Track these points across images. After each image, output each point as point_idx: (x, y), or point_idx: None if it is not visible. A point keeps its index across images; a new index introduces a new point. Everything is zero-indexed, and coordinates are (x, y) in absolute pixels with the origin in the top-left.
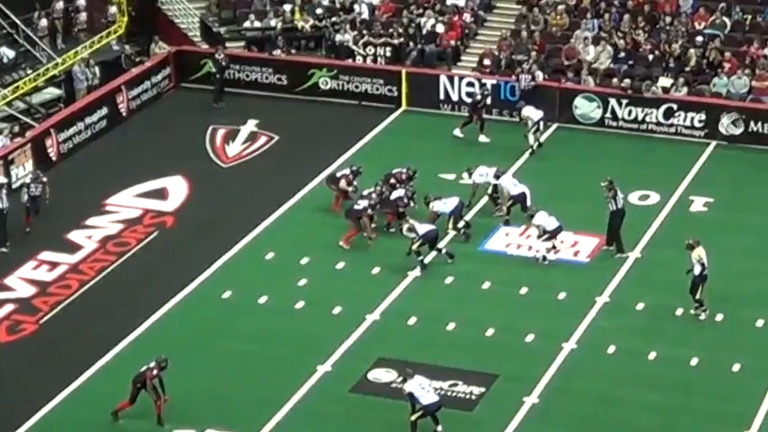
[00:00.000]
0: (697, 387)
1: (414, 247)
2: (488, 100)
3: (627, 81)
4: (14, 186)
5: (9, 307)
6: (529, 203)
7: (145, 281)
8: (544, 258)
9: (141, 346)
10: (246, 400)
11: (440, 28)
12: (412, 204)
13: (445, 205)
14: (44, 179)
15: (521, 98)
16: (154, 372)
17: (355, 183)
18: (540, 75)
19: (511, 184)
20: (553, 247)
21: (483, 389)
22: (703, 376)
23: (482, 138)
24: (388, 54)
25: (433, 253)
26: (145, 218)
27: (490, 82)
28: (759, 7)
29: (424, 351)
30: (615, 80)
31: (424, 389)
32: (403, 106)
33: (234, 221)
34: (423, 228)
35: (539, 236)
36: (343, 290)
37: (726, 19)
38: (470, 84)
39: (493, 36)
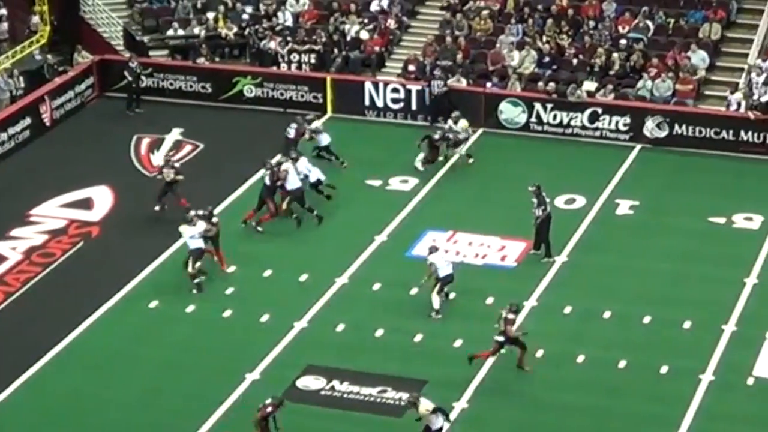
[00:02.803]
0: (626, 389)
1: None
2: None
3: (552, 85)
4: None
5: None
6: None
7: (72, 292)
8: (437, 312)
9: (68, 357)
10: (174, 409)
11: (364, 35)
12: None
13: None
14: None
15: (433, 104)
16: (268, 410)
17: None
18: (463, 81)
19: (443, 262)
20: (446, 295)
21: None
22: (632, 379)
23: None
24: (313, 61)
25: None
26: (70, 228)
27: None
28: (682, 10)
29: (352, 357)
30: (540, 84)
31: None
32: (329, 113)
33: (160, 230)
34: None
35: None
36: (270, 298)
37: (649, 22)
38: (395, 90)
39: (418, 42)
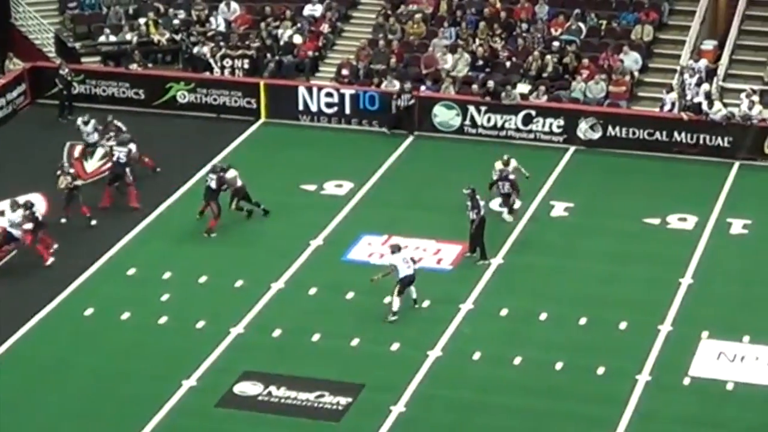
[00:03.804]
0: (563, 390)
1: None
2: None
3: (491, 83)
4: None
5: None
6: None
7: (5, 300)
8: (394, 314)
9: (2, 366)
10: (110, 417)
11: (298, 39)
12: None
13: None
14: None
15: (396, 116)
16: None
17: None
18: (397, 84)
19: (403, 264)
20: (415, 302)
21: (350, 399)
22: (569, 380)
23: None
24: (246, 66)
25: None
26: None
27: None
28: (614, 12)
29: (289, 363)
30: (474, 87)
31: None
32: (263, 118)
33: (94, 238)
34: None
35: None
36: (206, 304)
37: (581, 25)
38: (329, 94)
39: (351, 46)
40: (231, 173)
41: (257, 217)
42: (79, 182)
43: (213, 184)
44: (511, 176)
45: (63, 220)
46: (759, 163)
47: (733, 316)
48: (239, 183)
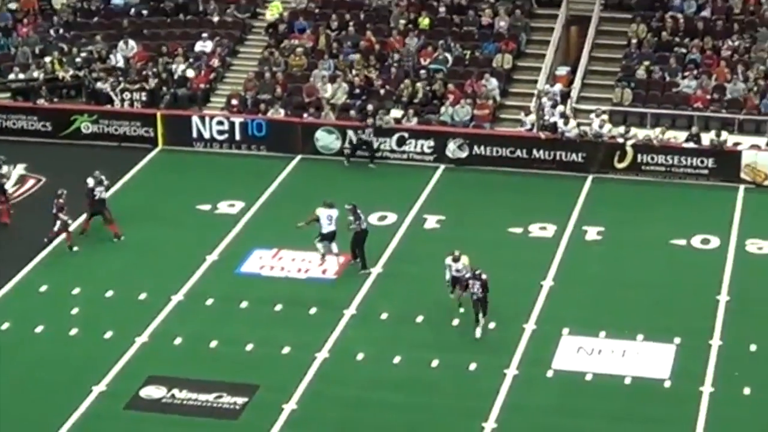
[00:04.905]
0: (439, 386)
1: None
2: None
3: (370, 107)
4: None
5: None
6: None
7: None
8: (323, 256)
9: None
10: (27, 422)
11: (190, 73)
12: None
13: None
14: None
15: (357, 145)
16: None
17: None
18: (282, 112)
19: (326, 221)
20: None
21: (246, 399)
22: (444, 376)
23: None
24: (144, 98)
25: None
26: None
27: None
28: (476, 43)
29: (191, 367)
30: (352, 113)
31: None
32: (160, 146)
33: (8, 258)
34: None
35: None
36: (113, 316)
37: (448, 55)
38: (220, 122)
39: (239, 78)
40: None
41: (160, 235)
42: None
43: (105, 195)
44: (484, 275)
45: None
46: (610, 176)
47: (591, 314)
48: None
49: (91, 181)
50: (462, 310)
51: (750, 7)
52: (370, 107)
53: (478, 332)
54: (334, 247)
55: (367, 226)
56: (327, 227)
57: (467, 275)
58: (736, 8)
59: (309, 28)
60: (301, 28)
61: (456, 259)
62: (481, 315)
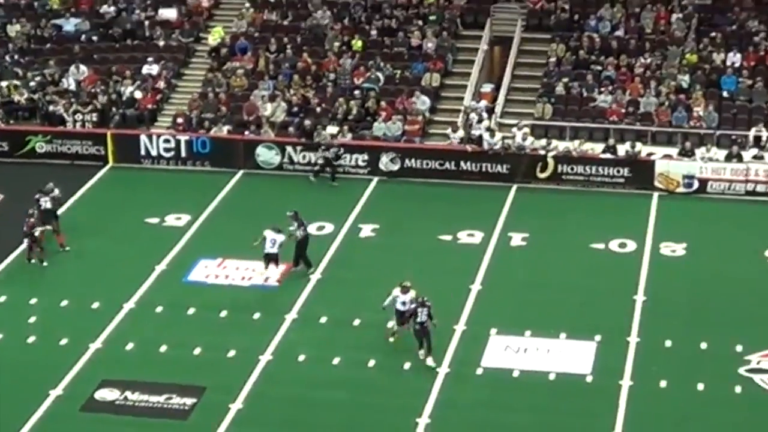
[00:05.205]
0: (376, 385)
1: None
2: None
3: (308, 122)
4: None
5: None
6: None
7: None
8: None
9: None
10: None
11: (138, 95)
12: None
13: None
14: None
15: (327, 163)
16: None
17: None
18: (225, 129)
19: (269, 244)
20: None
21: (195, 400)
22: (380, 376)
23: None
24: (95, 119)
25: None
26: None
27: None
28: (406, 63)
29: (142, 371)
30: (290, 130)
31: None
32: (110, 163)
33: None
34: None
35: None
36: (68, 324)
37: (379, 74)
38: (167, 141)
39: (184, 98)
40: (56, 192)
41: (111, 247)
42: None
43: (49, 205)
44: (428, 303)
45: None
46: (533, 185)
47: (517, 315)
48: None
49: (38, 194)
50: (392, 339)
51: (660, 27)
52: (307, 122)
53: (431, 361)
54: (272, 268)
55: (307, 233)
56: (268, 248)
57: (413, 305)
58: (648, 28)
59: (249, 50)
60: (242, 49)
61: (405, 291)
62: (425, 342)
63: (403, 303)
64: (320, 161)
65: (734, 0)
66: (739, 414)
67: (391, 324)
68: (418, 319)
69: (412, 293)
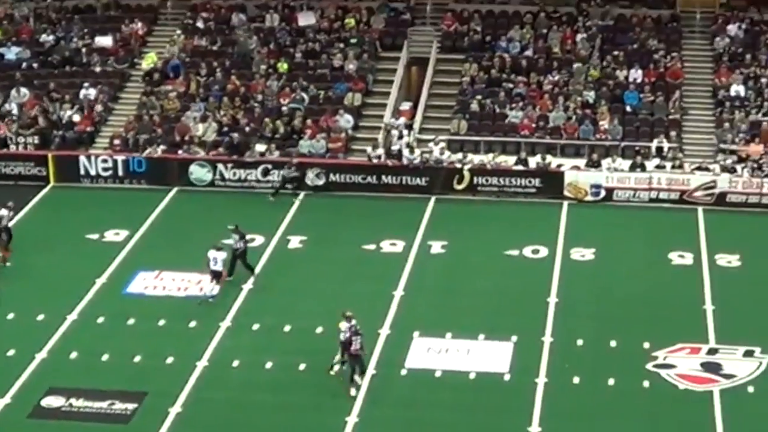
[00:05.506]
0: (307, 386)
1: None
2: None
3: (236, 135)
4: None
5: None
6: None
7: None
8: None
9: None
10: None
11: (77, 118)
12: None
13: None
14: None
15: (282, 184)
16: None
17: None
18: (160, 149)
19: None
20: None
21: (136, 405)
22: (311, 378)
23: None
24: (36, 141)
25: None
26: None
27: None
28: (329, 84)
29: (86, 379)
30: (220, 149)
31: None
32: (52, 183)
33: None
34: None
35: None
36: (14, 336)
37: (304, 94)
38: (105, 161)
39: (121, 121)
40: (3, 211)
41: (54, 262)
42: None
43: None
44: (360, 331)
45: None
46: (450, 197)
47: (438, 318)
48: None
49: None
50: (333, 372)
51: (567, 46)
52: (235, 135)
53: (353, 391)
54: (215, 285)
55: (246, 246)
56: (212, 266)
57: (347, 334)
58: (555, 48)
59: (181, 74)
60: (174, 68)
61: (349, 319)
62: (358, 368)
63: (344, 332)
64: (281, 180)
65: (635, 20)
66: (647, 406)
67: (338, 357)
68: (353, 347)
69: (353, 321)
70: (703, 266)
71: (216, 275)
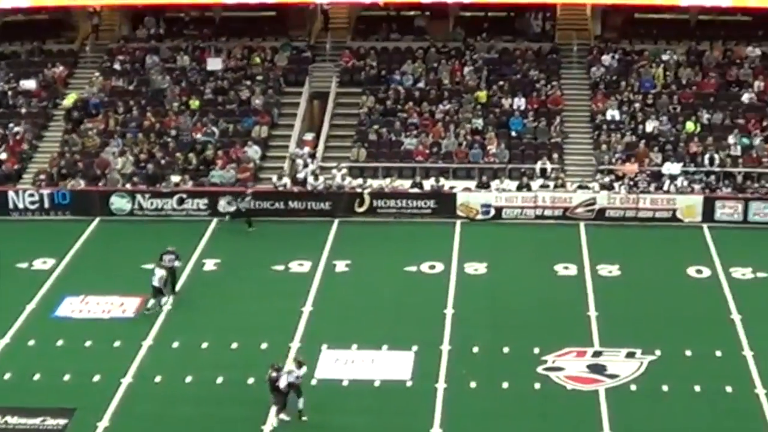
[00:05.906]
0: (224, 399)
1: None
2: None
3: (150, 167)
4: None
5: None
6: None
7: None
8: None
9: None
10: None
11: (4, 156)
12: None
13: None
14: None
15: (242, 212)
16: None
17: None
18: (82, 182)
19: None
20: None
21: (66, 420)
22: (228, 391)
23: None
24: None
25: None
26: None
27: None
28: (238, 118)
29: (18, 397)
30: (135, 179)
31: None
32: None
33: None
34: None
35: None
36: None
37: (215, 128)
38: (32, 195)
39: (45, 157)
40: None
41: None
42: None
43: None
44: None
45: None
46: (352, 219)
47: (344, 331)
48: None
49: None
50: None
51: (456, 78)
52: (150, 167)
53: (285, 416)
54: (151, 301)
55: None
56: (155, 281)
57: (294, 380)
58: (445, 79)
59: (100, 113)
60: (95, 105)
61: (300, 365)
62: (301, 399)
63: (297, 377)
64: (234, 210)
65: (518, 53)
66: (539, 407)
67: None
68: (296, 377)
69: (303, 369)
70: (586, 276)
71: (158, 291)
